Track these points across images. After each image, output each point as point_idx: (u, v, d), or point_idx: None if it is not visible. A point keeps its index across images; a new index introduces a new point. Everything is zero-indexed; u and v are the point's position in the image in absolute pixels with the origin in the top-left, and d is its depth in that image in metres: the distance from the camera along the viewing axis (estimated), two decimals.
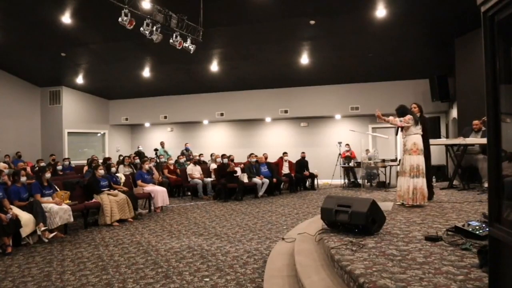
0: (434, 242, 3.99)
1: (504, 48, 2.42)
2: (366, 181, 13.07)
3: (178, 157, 14.42)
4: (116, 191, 8.77)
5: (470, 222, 4.19)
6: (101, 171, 8.87)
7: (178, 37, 9.72)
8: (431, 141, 7.92)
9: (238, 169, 12.46)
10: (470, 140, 8.48)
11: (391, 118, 6.76)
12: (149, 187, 9.95)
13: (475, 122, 8.89)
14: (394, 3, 9.71)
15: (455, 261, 3.33)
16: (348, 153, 14.55)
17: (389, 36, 11.30)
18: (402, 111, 6.71)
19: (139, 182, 10.09)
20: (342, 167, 14.39)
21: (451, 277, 2.94)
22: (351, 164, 13.90)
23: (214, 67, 13.96)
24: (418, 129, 6.64)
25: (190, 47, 10.07)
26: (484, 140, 7.78)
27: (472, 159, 8.78)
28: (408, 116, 6.59)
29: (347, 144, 14.76)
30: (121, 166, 11.60)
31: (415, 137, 6.58)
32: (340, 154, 14.67)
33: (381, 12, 9.91)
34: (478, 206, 6.34)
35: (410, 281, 2.90)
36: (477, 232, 3.95)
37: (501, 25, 2.29)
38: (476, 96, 9.58)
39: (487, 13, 2.33)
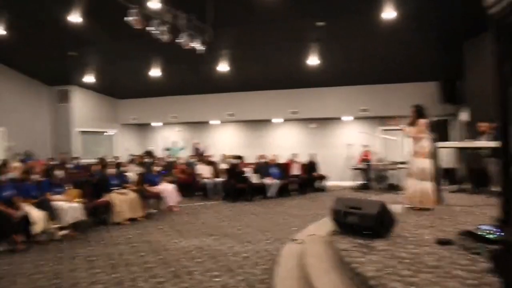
0: (444, 246, 3.99)
1: None
2: (376, 183, 13.02)
3: (189, 156, 14.45)
4: (126, 190, 8.79)
5: (480, 226, 4.17)
6: (111, 170, 8.90)
7: (186, 37, 9.73)
8: (441, 143, 7.89)
9: (248, 170, 12.44)
10: (479, 143, 8.39)
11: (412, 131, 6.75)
12: (160, 186, 9.87)
13: (481, 124, 8.76)
14: (402, 6, 9.66)
15: (467, 265, 3.33)
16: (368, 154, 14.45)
17: (398, 39, 11.24)
18: (419, 111, 6.74)
19: (147, 185, 9.81)
20: (354, 169, 14.33)
21: (463, 281, 2.94)
22: (362, 165, 13.84)
23: (223, 67, 13.98)
24: (427, 133, 6.65)
25: (198, 47, 10.07)
26: (492, 144, 7.70)
27: (482, 162, 8.68)
28: (423, 123, 6.57)
29: (367, 145, 14.69)
30: (131, 165, 11.63)
31: (423, 140, 6.58)
32: (350, 155, 14.63)
33: (390, 14, 9.87)
34: (488, 209, 6.28)
35: (422, 284, 2.90)
36: (489, 236, 3.93)
37: (509, 28, 2.29)
38: (485, 99, 9.51)
39: (495, 17, 2.34)
